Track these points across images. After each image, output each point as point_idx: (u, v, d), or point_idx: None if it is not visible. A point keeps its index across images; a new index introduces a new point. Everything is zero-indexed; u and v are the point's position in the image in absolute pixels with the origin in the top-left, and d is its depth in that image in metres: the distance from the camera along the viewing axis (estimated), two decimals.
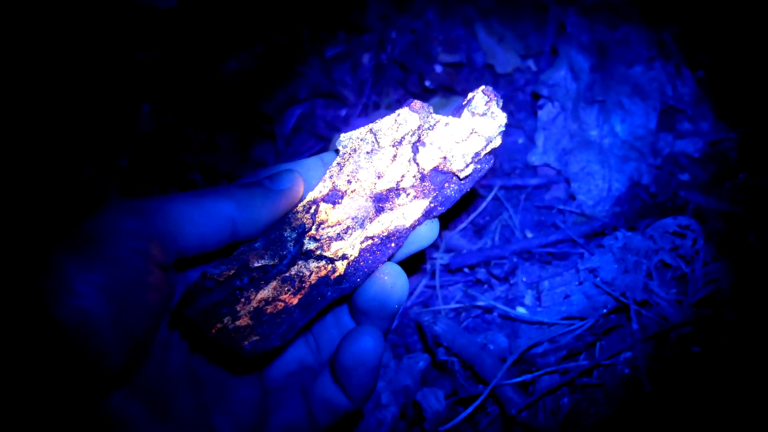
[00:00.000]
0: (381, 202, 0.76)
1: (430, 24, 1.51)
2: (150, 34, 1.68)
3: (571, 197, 1.27)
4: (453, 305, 1.21)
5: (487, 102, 0.75)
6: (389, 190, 0.77)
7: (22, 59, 1.57)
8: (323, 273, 0.75)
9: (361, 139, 0.77)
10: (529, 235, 1.27)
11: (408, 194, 0.76)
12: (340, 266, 0.75)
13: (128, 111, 1.66)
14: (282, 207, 0.75)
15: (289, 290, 0.74)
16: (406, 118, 0.76)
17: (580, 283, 1.12)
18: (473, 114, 0.75)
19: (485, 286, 1.23)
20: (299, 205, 0.77)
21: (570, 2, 1.40)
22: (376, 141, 0.77)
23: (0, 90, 1.55)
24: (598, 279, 1.10)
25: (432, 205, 0.77)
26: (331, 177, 0.77)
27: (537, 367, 1.10)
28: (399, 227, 0.76)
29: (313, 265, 0.75)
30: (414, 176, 0.76)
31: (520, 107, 1.43)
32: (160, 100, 1.67)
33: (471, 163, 0.75)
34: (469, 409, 1.07)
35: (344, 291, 0.75)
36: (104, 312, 0.57)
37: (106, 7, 1.61)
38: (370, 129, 0.77)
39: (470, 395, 1.11)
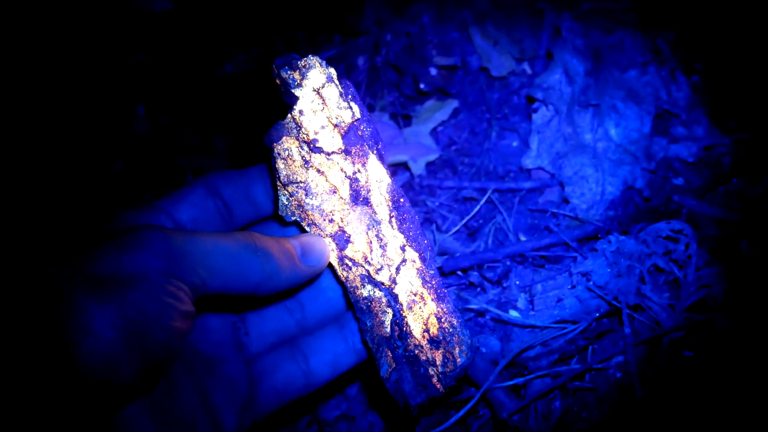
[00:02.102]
0: (359, 197, 0.78)
1: (426, 27, 1.51)
2: (146, 37, 1.68)
3: (565, 201, 1.26)
4: None
5: (293, 67, 0.75)
6: (350, 186, 0.78)
7: (19, 61, 1.57)
8: (413, 270, 0.77)
9: (289, 197, 0.79)
10: (523, 238, 1.26)
11: (360, 171, 0.78)
12: (411, 255, 0.78)
13: (124, 114, 1.65)
14: (305, 280, 0.79)
15: (420, 307, 0.77)
16: (285, 148, 0.77)
17: (573, 287, 1.11)
18: (300, 86, 0.75)
19: (478, 290, 1.22)
20: (338, 271, 0.80)
21: (565, 7, 1.40)
22: (297, 182, 0.78)
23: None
24: (590, 283, 1.09)
25: (375, 152, 0.79)
26: (320, 236, 0.80)
27: (529, 370, 1.09)
28: (389, 190, 0.79)
29: (403, 278, 0.78)
30: (344, 159, 0.77)
31: (515, 110, 1.43)
32: (155, 103, 1.67)
33: (347, 104, 0.77)
34: (461, 413, 1.06)
35: (434, 259, 0.81)
36: (123, 349, 0.57)
37: (103, 10, 1.61)
38: (282, 184, 0.78)
39: (462, 398, 1.11)
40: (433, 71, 1.49)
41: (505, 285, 1.19)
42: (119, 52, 1.66)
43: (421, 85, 1.48)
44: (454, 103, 1.46)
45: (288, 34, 1.67)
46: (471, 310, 1.18)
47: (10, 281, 0.56)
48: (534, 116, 1.33)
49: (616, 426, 1.05)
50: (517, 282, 1.19)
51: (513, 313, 1.13)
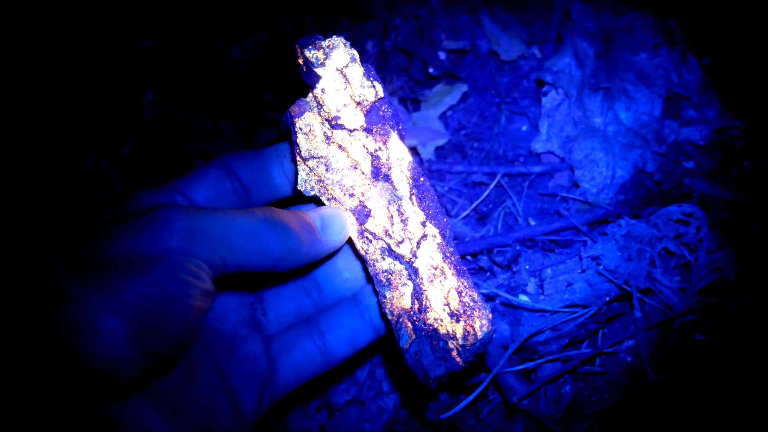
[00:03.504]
0: (379, 173, 0.78)
1: (435, 11, 1.49)
2: (155, 22, 1.67)
3: (575, 185, 1.26)
4: None
5: (317, 47, 0.76)
6: (372, 162, 0.79)
7: (27, 46, 1.57)
8: (434, 246, 0.77)
9: (309, 172, 0.79)
10: (533, 222, 1.26)
11: (381, 149, 0.78)
12: (432, 230, 0.78)
13: (132, 99, 1.65)
14: (326, 254, 0.78)
15: (441, 281, 0.77)
16: (307, 123, 0.78)
17: (583, 271, 1.11)
18: (323, 65, 0.76)
19: (488, 274, 1.22)
20: (357, 245, 0.80)
21: None
22: (318, 157, 0.78)
23: (4, 78, 1.55)
24: (601, 267, 1.09)
25: (396, 131, 0.80)
26: (340, 208, 0.80)
27: (539, 355, 1.09)
28: (410, 168, 0.79)
29: (424, 253, 0.78)
30: (366, 136, 0.78)
31: (524, 94, 1.42)
32: (164, 88, 1.67)
33: (370, 83, 0.77)
34: (471, 397, 1.06)
35: (452, 237, 0.80)
36: (129, 342, 0.56)
37: None
38: (303, 158, 0.79)
39: (472, 383, 1.11)
40: (443, 55, 1.48)
41: (514, 269, 1.19)
42: (127, 37, 1.66)
43: (431, 69, 1.47)
44: (463, 88, 1.46)
45: (296, 18, 1.66)
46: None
47: (13, 275, 0.56)
48: (544, 100, 1.32)
49: (627, 410, 1.05)
50: (527, 266, 1.18)
51: (523, 298, 1.13)
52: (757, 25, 1.27)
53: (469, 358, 0.77)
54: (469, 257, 1.24)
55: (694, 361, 1.03)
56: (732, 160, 1.20)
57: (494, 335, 1.11)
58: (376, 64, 1.55)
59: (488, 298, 1.17)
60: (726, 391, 0.99)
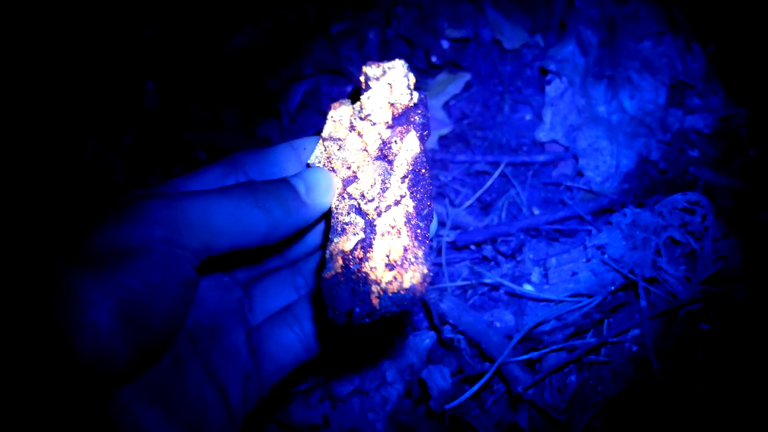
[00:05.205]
0: (384, 158, 0.79)
1: None
2: (155, 11, 1.66)
3: (579, 174, 1.25)
4: (459, 282, 1.20)
5: (378, 66, 0.80)
6: (381, 148, 0.80)
7: (29, 36, 1.56)
8: (403, 212, 0.77)
9: (323, 150, 0.81)
10: (537, 212, 1.26)
11: (396, 142, 0.79)
12: (408, 203, 0.79)
13: (133, 88, 1.64)
14: (314, 219, 0.77)
15: (393, 238, 0.76)
16: (339, 114, 0.82)
17: (588, 260, 1.11)
18: (378, 79, 0.80)
19: (492, 263, 1.22)
20: (332, 203, 0.80)
21: None
22: (335, 139, 0.81)
23: (4, 67, 1.54)
24: (606, 256, 1.09)
25: (419, 134, 0.81)
26: (327, 170, 0.81)
27: (544, 344, 1.09)
28: (414, 157, 0.79)
29: (389, 216, 0.77)
30: (386, 128, 0.80)
31: (528, 83, 1.41)
32: (164, 77, 1.66)
33: (409, 92, 0.80)
34: (475, 387, 1.06)
35: (430, 216, 0.80)
36: (120, 334, 0.56)
37: None
38: (323, 139, 0.81)
39: (476, 373, 1.11)
40: (445, 44, 1.47)
41: (519, 259, 1.19)
42: (127, 27, 1.65)
43: (433, 58, 1.46)
44: (466, 76, 1.45)
45: (297, 7, 1.65)
46: (485, 284, 1.18)
47: (10, 266, 0.56)
48: (547, 88, 1.31)
49: (631, 399, 1.04)
50: (531, 256, 1.18)
51: (527, 287, 1.13)
52: (762, 12, 1.26)
53: (388, 306, 0.72)
54: (472, 246, 1.24)
55: (699, 350, 1.03)
56: (737, 148, 1.20)
57: (496, 325, 1.11)
58: (378, 53, 1.54)
59: (492, 287, 1.17)
60: (731, 381, 0.99)
